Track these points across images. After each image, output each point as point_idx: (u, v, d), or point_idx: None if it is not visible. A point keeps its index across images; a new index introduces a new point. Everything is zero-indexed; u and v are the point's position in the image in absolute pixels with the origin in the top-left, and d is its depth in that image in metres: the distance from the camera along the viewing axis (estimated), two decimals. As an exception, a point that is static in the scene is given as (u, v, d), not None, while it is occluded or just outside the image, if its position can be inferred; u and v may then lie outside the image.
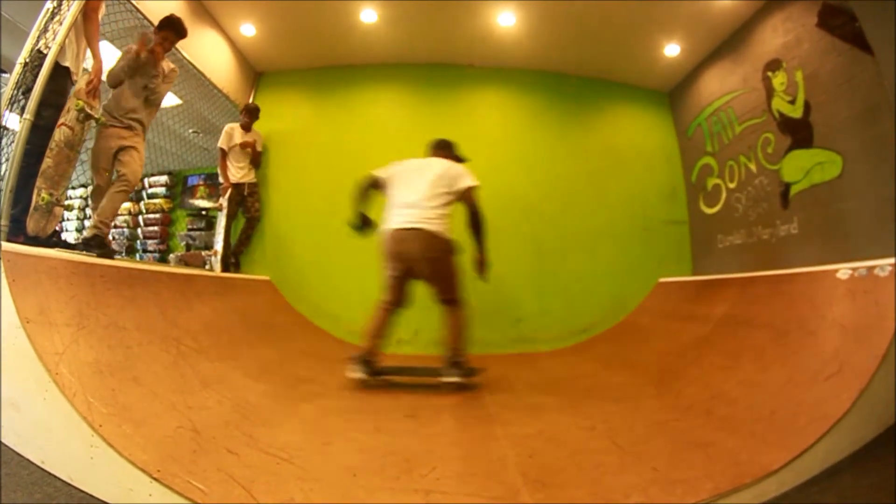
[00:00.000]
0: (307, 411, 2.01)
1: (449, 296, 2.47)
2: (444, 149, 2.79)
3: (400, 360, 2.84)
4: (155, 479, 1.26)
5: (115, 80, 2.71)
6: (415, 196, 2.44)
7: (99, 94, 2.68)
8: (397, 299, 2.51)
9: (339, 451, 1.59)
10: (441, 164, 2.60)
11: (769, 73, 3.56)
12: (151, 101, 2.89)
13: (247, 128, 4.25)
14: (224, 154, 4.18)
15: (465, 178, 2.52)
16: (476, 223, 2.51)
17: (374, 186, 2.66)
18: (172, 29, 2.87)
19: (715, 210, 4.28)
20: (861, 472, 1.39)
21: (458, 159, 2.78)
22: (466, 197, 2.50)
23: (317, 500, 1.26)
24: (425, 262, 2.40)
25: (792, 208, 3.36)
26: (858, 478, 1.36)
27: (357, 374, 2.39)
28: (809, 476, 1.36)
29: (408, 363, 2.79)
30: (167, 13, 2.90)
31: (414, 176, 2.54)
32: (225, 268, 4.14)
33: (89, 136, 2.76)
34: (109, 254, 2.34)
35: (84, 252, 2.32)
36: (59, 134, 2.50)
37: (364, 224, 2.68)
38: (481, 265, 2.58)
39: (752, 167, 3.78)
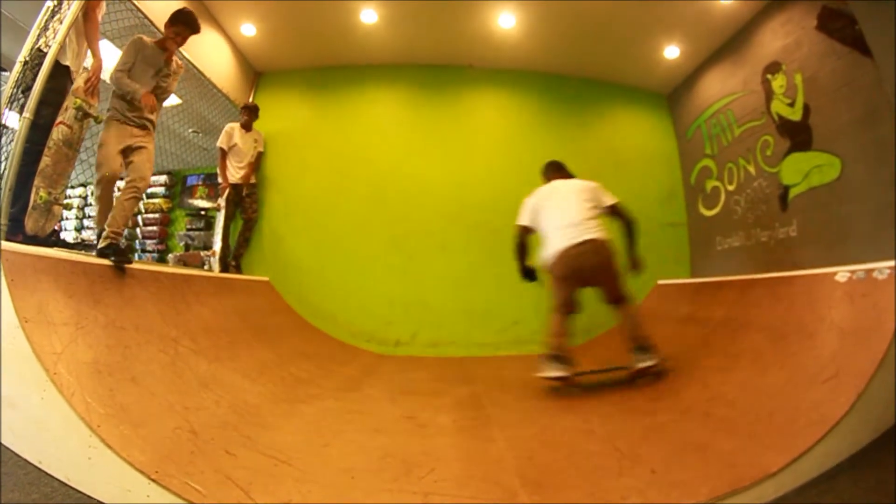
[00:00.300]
0: (305, 412, 2.01)
1: (618, 294, 2.57)
2: (560, 170, 3.02)
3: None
4: (153, 479, 1.26)
5: (122, 88, 2.57)
6: (571, 215, 2.62)
7: (98, 93, 2.67)
8: (571, 308, 2.59)
9: (338, 453, 1.59)
10: (576, 183, 2.84)
11: (769, 76, 3.56)
12: (160, 99, 2.77)
13: (247, 127, 4.24)
14: (224, 154, 4.16)
15: (605, 194, 2.76)
16: (631, 230, 2.76)
17: (527, 233, 2.82)
18: (185, 24, 2.74)
19: (714, 212, 4.29)
20: (859, 474, 1.39)
21: (571, 176, 3.01)
22: (619, 212, 2.74)
23: (314, 501, 1.26)
24: (598, 270, 2.55)
25: (791, 211, 3.37)
26: (856, 480, 1.37)
27: (556, 371, 2.38)
28: (807, 479, 1.36)
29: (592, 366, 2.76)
30: (167, 13, 2.81)
31: (559, 200, 2.74)
32: (224, 269, 4.13)
33: (88, 135, 2.74)
34: (127, 260, 2.28)
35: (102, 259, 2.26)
36: (58, 132, 2.49)
37: (531, 276, 2.89)
38: (637, 263, 2.78)
39: (751, 169, 3.78)
